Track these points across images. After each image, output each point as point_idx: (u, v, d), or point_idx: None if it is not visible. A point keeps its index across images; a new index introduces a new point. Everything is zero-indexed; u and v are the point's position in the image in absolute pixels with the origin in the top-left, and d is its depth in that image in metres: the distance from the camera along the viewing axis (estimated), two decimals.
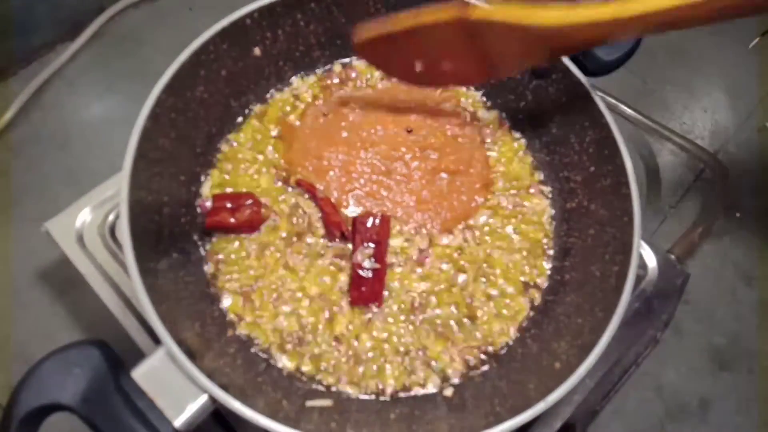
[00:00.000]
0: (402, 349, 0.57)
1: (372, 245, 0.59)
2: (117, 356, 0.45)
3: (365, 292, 0.57)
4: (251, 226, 0.59)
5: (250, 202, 0.59)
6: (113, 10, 1.00)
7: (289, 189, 0.62)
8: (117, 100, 0.94)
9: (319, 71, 0.68)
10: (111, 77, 0.95)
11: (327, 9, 0.63)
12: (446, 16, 0.48)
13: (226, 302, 0.57)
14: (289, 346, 0.56)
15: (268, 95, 0.67)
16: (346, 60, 0.69)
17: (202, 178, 0.61)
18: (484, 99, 0.69)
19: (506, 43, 0.49)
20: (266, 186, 0.62)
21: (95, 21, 0.99)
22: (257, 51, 0.63)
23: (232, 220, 0.58)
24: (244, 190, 0.61)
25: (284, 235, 0.60)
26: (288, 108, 0.66)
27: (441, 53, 0.53)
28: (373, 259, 0.58)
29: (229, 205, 0.59)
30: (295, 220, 0.61)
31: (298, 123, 0.65)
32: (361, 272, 0.58)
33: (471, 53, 0.51)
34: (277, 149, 0.64)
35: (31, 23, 0.95)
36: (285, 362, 0.55)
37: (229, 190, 0.61)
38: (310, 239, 0.60)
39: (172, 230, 0.57)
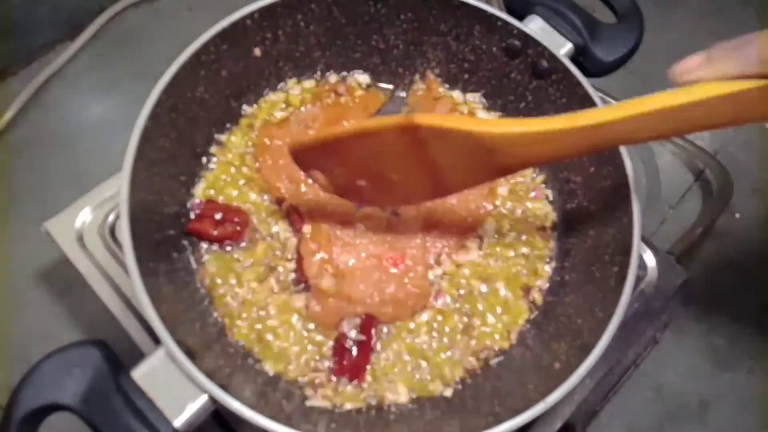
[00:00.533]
0: (406, 357, 0.57)
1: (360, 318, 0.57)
2: (117, 356, 0.45)
3: (347, 366, 0.54)
4: (228, 239, 0.58)
5: (237, 220, 0.58)
6: (113, 10, 1.00)
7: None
8: (117, 101, 0.94)
9: (317, 76, 0.68)
10: (111, 77, 0.95)
11: (327, 10, 0.63)
12: (392, 122, 0.45)
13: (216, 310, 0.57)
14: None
15: (261, 96, 0.66)
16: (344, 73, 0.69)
17: (203, 178, 0.61)
18: (484, 101, 0.69)
19: (454, 154, 0.46)
20: (255, 201, 0.61)
21: (95, 21, 0.98)
22: (257, 52, 0.63)
23: (214, 232, 0.57)
24: (234, 203, 0.61)
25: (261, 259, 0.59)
26: (278, 112, 0.66)
27: (385, 165, 0.49)
28: (358, 331, 0.56)
29: (218, 216, 0.58)
30: (273, 252, 0.59)
31: (274, 141, 0.64)
32: (345, 344, 0.55)
33: (417, 164, 0.48)
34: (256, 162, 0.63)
35: (31, 23, 0.95)
36: (269, 368, 0.55)
37: (221, 197, 0.61)
38: (281, 270, 0.59)
39: (172, 231, 0.57)
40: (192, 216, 0.59)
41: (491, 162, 0.45)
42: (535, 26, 0.62)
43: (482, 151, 0.44)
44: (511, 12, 0.63)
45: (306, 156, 0.51)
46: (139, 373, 0.45)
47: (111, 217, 0.69)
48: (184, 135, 0.58)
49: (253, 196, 0.62)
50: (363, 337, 0.56)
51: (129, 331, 0.63)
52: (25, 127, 0.90)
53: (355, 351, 0.55)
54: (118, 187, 0.68)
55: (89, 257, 0.66)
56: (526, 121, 0.43)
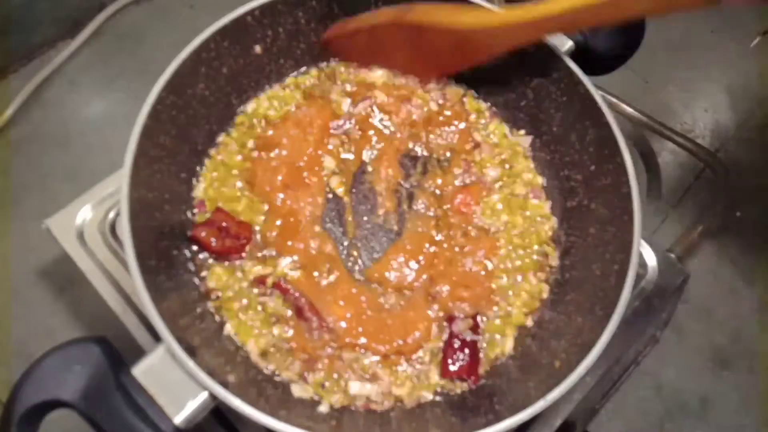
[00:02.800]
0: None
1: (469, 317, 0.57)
2: (117, 353, 0.45)
3: (464, 366, 0.55)
4: (227, 253, 0.58)
5: (240, 235, 0.57)
6: (114, 7, 1.00)
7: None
8: (117, 98, 0.94)
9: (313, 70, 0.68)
10: (111, 75, 0.96)
11: (328, 6, 0.63)
12: (385, 18, 0.58)
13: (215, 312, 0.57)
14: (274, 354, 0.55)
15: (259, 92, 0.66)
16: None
17: (201, 177, 0.61)
18: (482, 101, 0.68)
19: (440, 41, 0.57)
20: (245, 209, 0.60)
21: (96, 19, 0.99)
22: (258, 49, 0.63)
23: (213, 242, 0.56)
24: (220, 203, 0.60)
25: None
26: (271, 111, 0.65)
27: (392, 45, 0.61)
28: (470, 332, 0.56)
29: (224, 224, 0.57)
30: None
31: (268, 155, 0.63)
32: (455, 343, 0.55)
33: (415, 48, 0.60)
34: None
35: (32, 21, 0.95)
36: (270, 369, 0.55)
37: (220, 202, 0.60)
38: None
39: (172, 228, 0.57)
40: (193, 213, 0.59)
41: (470, 47, 0.57)
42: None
43: (459, 39, 0.56)
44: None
45: (334, 43, 0.65)
46: (139, 370, 0.45)
47: (111, 215, 0.69)
48: (184, 132, 0.58)
49: (241, 206, 0.60)
50: (477, 337, 0.56)
51: (129, 328, 0.63)
52: (25, 125, 0.90)
53: (467, 350, 0.56)
54: (118, 184, 0.68)
55: (90, 254, 0.66)
56: (489, 14, 0.54)
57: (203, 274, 0.57)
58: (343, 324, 0.56)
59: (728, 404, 0.81)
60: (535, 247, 0.61)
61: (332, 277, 0.58)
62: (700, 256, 0.88)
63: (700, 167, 0.95)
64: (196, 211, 0.59)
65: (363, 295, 0.58)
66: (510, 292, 0.59)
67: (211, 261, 0.58)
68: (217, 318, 0.56)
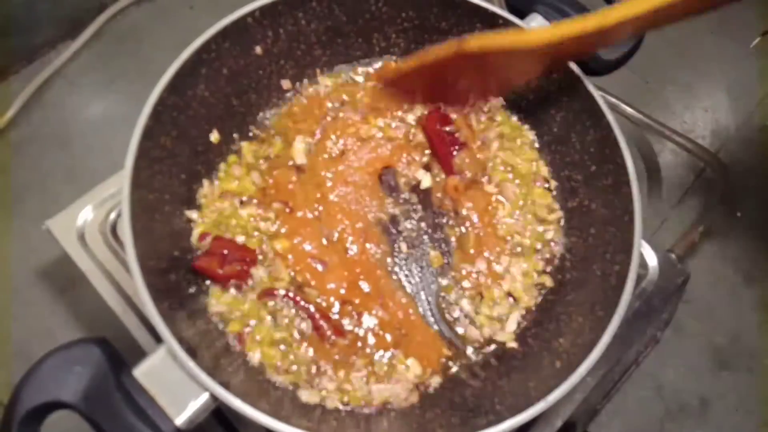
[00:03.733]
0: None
1: None
2: (118, 354, 0.45)
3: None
4: (235, 278, 0.57)
5: (244, 259, 0.57)
6: (114, 8, 1.00)
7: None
8: (118, 99, 0.94)
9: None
10: (112, 76, 0.96)
11: (328, 8, 0.63)
12: (446, 52, 0.57)
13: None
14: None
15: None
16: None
17: (204, 180, 0.61)
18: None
19: (504, 64, 0.58)
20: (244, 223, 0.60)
21: (96, 20, 0.99)
22: (258, 50, 0.63)
23: (220, 271, 0.56)
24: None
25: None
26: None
27: (453, 78, 0.61)
28: None
29: (225, 252, 0.56)
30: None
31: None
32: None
33: (478, 75, 0.60)
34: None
35: (32, 22, 0.95)
36: (280, 380, 0.54)
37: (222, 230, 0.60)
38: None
39: (173, 229, 0.57)
40: (194, 215, 0.59)
41: (536, 62, 0.58)
42: (536, 24, 0.62)
43: (526, 57, 0.56)
44: (512, 10, 0.63)
45: (395, 84, 0.64)
46: (140, 371, 0.45)
47: (112, 216, 0.69)
48: (185, 134, 0.58)
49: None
50: None
51: (130, 328, 0.63)
52: (25, 126, 0.90)
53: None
54: (119, 185, 0.68)
55: (90, 255, 0.66)
56: (556, 28, 0.52)
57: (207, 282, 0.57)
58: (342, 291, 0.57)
59: (728, 405, 0.81)
60: (538, 246, 0.62)
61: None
62: (701, 256, 0.88)
63: (700, 167, 0.95)
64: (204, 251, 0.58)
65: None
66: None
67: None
68: (219, 318, 0.56)
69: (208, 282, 0.57)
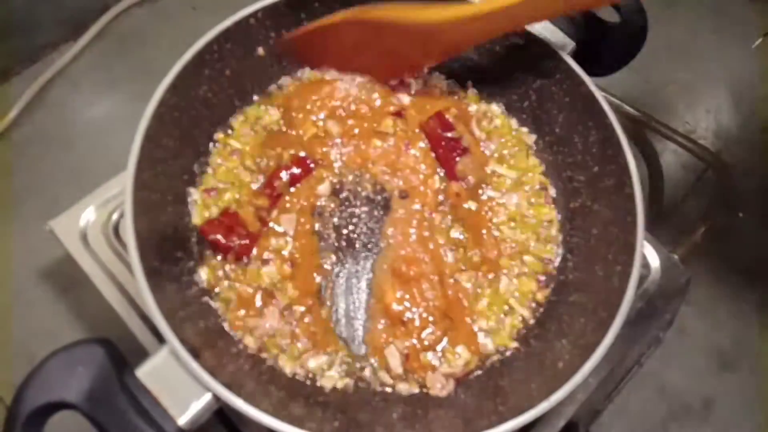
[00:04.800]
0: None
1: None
2: (121, 355, 0.45)
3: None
4: (240, 252, 0.57)
5: (245, 233, 0.57)
6: (116, 9, 1.00)
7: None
8: (120, 100, 0.94)
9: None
10: (114, 77, 0.96)
11: (330, 8, 0.63)
12: (346, 16, 0.58)
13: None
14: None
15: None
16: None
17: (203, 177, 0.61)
18: (485, 102, 0.69)
19: (400, 39, 0.58)
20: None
21: (98, 20, 0.99)
22: (261, 51, 0.63)
23: (224, 240, 0.56)
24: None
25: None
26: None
27: (351, 46, 0.61)
28: None
29: (231, 225, 0.57)
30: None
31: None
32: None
33: (376, 47, 0.60)
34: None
35: (34, 23, 0.95)
36: (284, 365, 0.55)
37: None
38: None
39: (176, 229, 0.57)
40: (194, 216, 0.59)
41: (429, 43, 0.58)
42: (538, 25, 0.62)
43: (419, 36, 0.57)
44: None
45: (294, 46, 0.63)
46: (143, 372, 0.45)
47: (115, 216, 0.69)
48: (187, 134, 0.58)
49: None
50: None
51: (132, 329, 0.63)
52: (28, 126, 0.90)
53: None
54: (121, 186, 0.68)
55: (93, 256, 0.66)
56: (447, 9, 0.54)
57: (207, 276, 0.57)
58: None
59: (731, 405, 0.81)
60: (539, 246, 0.62)
61: None
62: (703, 256, 0.88)
63: (702, 168, 0.95)
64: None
65: None
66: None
67: (215, 262, 0.58)
68: (221, 317, 0.56)
69: (215, 290, 0.57)
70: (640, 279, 0.57)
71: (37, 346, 0.73)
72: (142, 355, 0.46)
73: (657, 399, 0.80)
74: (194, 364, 0.45)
